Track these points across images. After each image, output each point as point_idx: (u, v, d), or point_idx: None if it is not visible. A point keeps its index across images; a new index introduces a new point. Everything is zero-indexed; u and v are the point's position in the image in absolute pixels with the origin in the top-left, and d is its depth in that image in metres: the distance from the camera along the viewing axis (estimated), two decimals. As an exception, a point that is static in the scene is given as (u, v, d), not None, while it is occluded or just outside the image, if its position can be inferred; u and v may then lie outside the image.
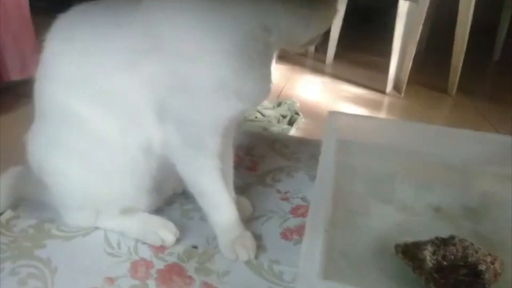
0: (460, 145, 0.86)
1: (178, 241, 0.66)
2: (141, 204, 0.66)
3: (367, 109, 1.55)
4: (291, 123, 1.35)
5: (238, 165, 0.89)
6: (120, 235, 0.67)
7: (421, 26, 1.61)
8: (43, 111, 0.62)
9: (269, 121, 1.34)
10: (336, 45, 1.95)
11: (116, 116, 0.59)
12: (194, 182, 0.63)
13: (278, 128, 1.29)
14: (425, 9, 1.58)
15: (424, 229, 0.67)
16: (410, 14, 1.63)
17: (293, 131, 1.31)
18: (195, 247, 0.66)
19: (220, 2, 0.54)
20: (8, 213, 0.70)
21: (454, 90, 1.73)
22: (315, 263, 0.48)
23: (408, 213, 0.72)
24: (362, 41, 2.31)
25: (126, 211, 0.66)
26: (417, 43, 1.63)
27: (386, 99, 1.68)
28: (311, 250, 0.50)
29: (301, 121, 1.37)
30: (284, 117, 1.39)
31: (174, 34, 0.55)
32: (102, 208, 0.65)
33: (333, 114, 0.88)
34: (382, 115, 1.61)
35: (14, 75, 1.13)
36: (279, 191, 0.82)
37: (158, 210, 0.72)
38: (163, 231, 0.65)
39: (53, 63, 0.60)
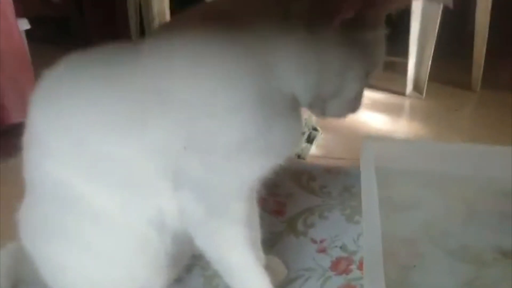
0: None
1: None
2: (156, 283, 0.56)
3: (387, 114, 1.45)
4: (310, 140, 1.25)
5: (263, 209, 0.78)
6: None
7: (439, 21, 1.49)
8: (33, 184, 0.52)
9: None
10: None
11: (118, 189, 0.48)
12: (219, 257, 0.52)
13: (297, 147, 1.19)
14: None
15: (498, 286, 0.56)
16: (425, 9, 1.51)
17: (313, 149, 1.21)
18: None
19: (241, 45, 0.44)
20: (5, 300, 0.60)
21: (479, 85, 1.61)
22: None
23: (476, 263, 0.60)
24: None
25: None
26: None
27: (406, 102, 1.57)
28: None
29: (320, 137, 1.27)
30: (302, 134, 1.29)
31: (185, 86, 0.45)
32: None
33: (368, 141, 0.77)
34: (403, 119, 1.50)
35: (15, 117, 1.07)
36: (314, 241, 0.71)
37: (177, 280, 0.61)
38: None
39: (39, 129, 0.49)
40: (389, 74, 1.75)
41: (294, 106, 0.49)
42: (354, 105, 0.51)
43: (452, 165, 0.75)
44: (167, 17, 1.60)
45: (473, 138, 1.27)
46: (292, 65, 0.45)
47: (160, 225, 0.50)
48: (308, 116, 1.35)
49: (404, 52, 1.56)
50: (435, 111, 1.49)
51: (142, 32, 1.67)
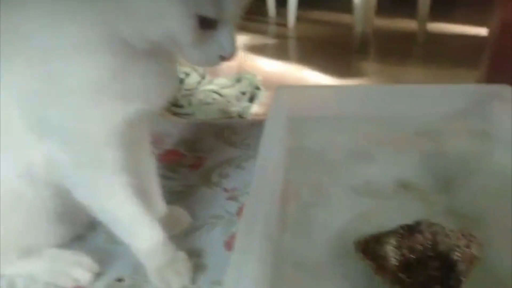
0: (429, 103, 0.74)
1: (99, 275, 0.55)
2: (48, 239, 0.55)
3: (335, 74, 1.44)
4: (252, 99, 1.24)
5: (178, 164, 0.77)
6: (28, 280, 0.55)
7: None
8: None
9: (228, 101, 1.23)
10: (296, 6, 1.80)
11: None
12: (99, 208, 0.51)
13: (238, 107, 1.18)
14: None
15: (391, 214, 0.56)
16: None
17: (255, 108, 1.20)
18: (120, 280, 0.55)
19: None
20: None
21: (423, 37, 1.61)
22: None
23: (373, 196, 0.61)
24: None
25: (30, 250, 0.54)
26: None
27: (354, 59, 1.56)
28: (243, 271, 0.39)
29: (262, 95, 1.25)
30: (244, 94, 1.28)
31: (35, 25, 0.44)
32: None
33: (282, 89, 0.75)
34: (352, 77, 1.49)
35: None
36: (226, 190, 0.70)
37: (80, 237, 0.61)
38: (76, 269, 0.54)
39: None
40: (337, 31, 1.74)
41: (158, 52, 0.46)
42: (212, 51, 0.43)
43: (367, 108, 0.75)
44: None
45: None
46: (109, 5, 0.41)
47: (31, 178, 0.49)
48: (252, 76, 1.34)
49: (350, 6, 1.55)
50: (384, 67, 1.48)
51: None
